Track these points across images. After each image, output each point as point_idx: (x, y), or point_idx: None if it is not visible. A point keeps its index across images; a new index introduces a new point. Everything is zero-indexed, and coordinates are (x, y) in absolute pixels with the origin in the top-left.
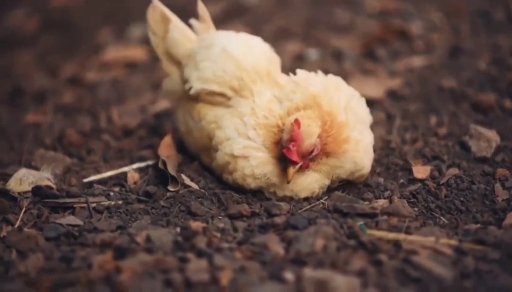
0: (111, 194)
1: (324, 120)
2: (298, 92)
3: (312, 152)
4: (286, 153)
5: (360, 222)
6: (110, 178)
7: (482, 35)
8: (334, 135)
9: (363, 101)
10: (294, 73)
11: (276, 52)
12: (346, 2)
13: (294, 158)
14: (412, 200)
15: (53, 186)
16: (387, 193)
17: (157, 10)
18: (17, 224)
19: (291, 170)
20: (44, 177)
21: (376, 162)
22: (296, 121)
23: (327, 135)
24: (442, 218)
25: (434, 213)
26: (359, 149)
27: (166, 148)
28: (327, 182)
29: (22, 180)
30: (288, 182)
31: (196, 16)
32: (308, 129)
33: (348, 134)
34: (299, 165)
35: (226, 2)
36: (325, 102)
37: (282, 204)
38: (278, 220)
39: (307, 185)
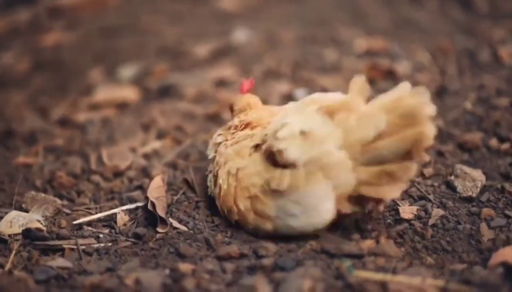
0: (101, 235)
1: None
2: None
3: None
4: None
5: (348, 263)
6: (100, 219)
7: (468, 75)
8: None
9: None
10: None
11: (265, 92)
12: (334, 43)
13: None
14: (399, 240)
15: (43, 228)
16: (374, 233)
17: None
18: (7, 266)
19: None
20: (34, 219)
21: None
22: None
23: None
24: (428, 258)
25: (420, 253)
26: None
27: (155, 189)
28: None
29: (13, 222)
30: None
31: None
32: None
33: None
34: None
35: (216, 42)
36: None
37: (270, 245)
38: (266, 261)
39: None
